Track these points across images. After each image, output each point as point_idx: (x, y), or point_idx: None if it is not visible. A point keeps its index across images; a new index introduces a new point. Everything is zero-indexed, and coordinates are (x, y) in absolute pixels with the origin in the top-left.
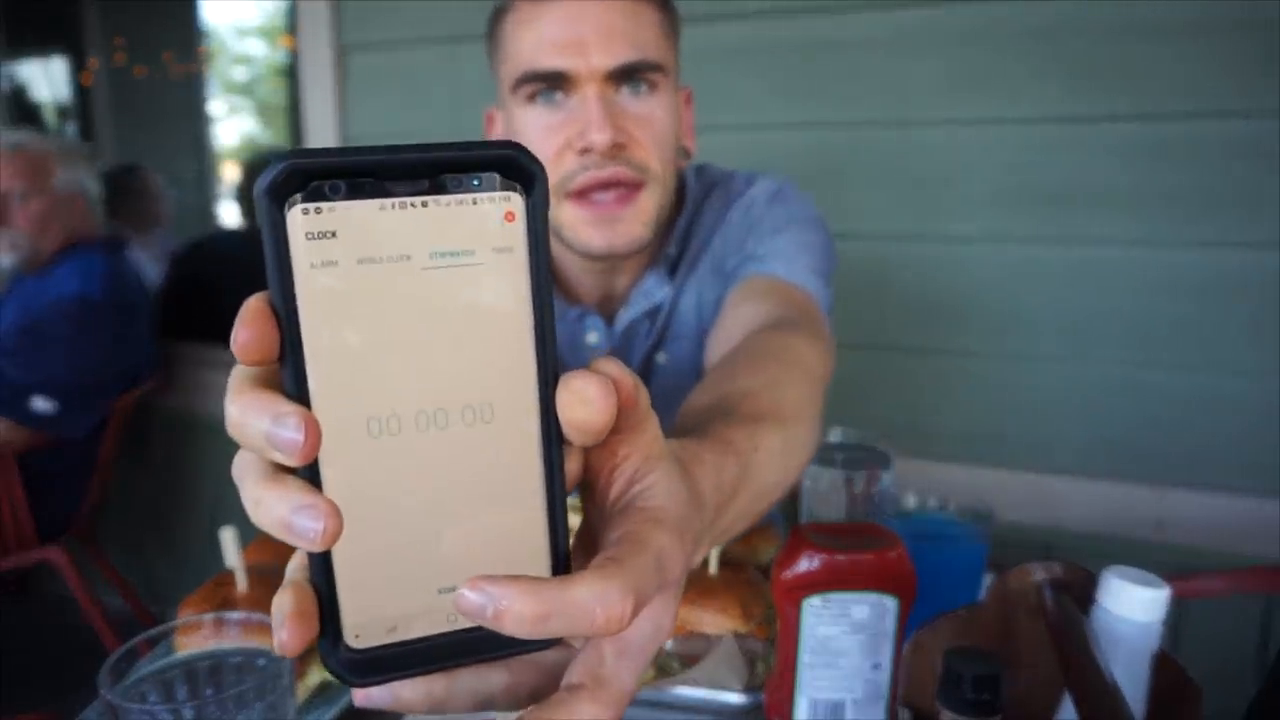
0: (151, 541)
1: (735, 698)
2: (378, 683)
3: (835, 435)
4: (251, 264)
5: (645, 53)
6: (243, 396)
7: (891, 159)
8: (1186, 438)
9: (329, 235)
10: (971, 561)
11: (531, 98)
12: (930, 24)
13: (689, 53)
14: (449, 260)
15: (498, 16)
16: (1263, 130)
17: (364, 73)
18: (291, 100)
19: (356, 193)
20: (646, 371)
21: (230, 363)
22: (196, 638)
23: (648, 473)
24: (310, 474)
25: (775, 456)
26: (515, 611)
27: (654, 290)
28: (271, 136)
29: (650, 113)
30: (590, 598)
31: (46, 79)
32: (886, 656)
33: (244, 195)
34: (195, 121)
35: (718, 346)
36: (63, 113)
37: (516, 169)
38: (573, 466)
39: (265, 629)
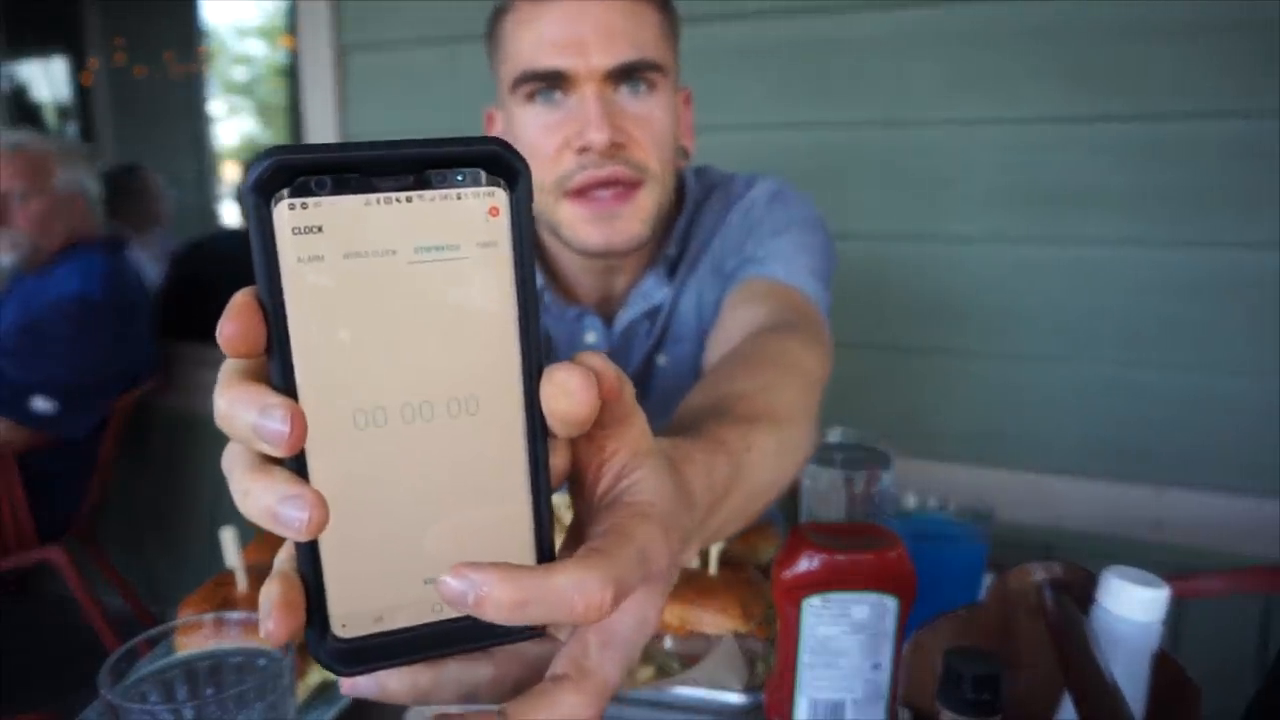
0: (151, 541)
1: (735, 698)
2: (364, 672)
3: (835, 435)
4: (251, 264)
5: (644, 52)
6: (230, 389)
7: (891, 159)
8: (1186, 437)
9: (315, 230)
10: (971, 561)
11: (530, 97)
12: (930, 24)
13: (689, 53)
14: (434, 255)
15: (497, 16)
16: (1261, 130)
17: (364, 73)
18: (291, 100)
19: (342, 188)
20: (647, 373)
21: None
22: (196, 638)
23: (635, 468)
24: (297, 465)
25: (769, 457)
26: (495, 597)
27: (653, 291)
28: (271, 136)
29: (649, 112)
30: (570, 585)
31: (46, 79)
32: (886, 656)
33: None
34: (195, 121)
35: (716, 349)
36: (63, 113)
37: (500, 164)
38: (561, 462)
39: None
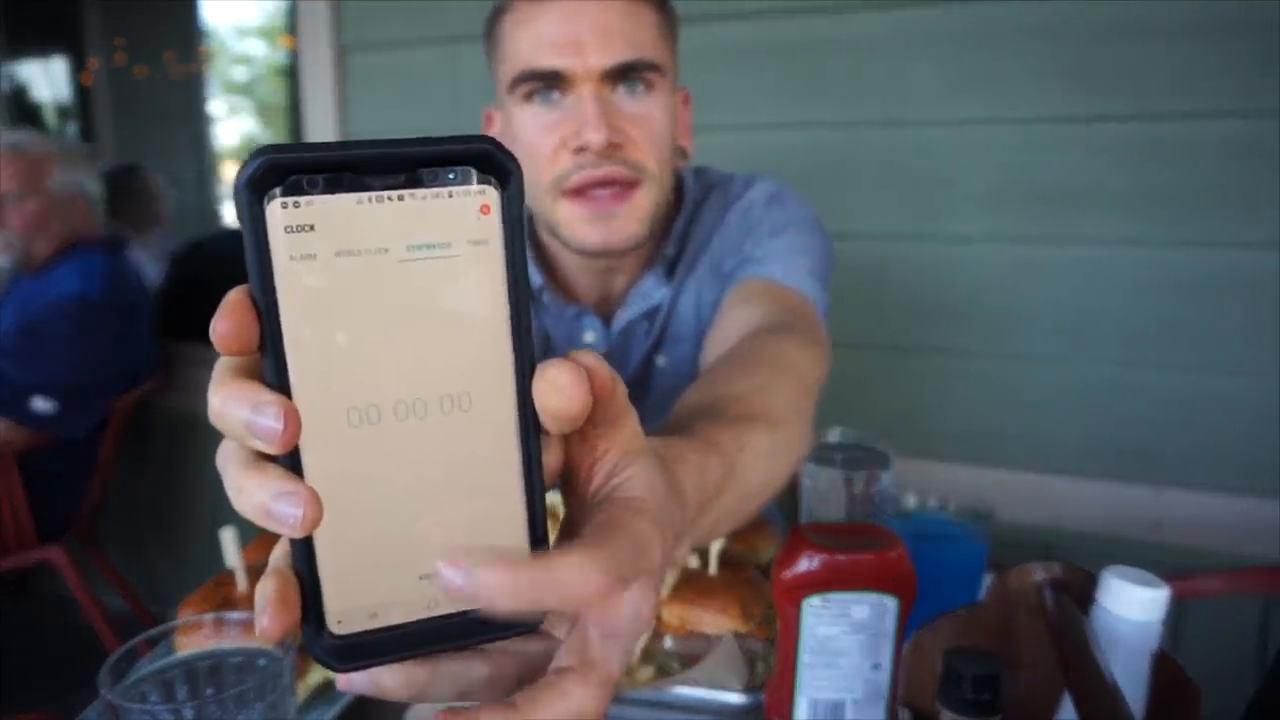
0: (151, 541)
1: (735, 698)
2: (359, 668)
3: (835, 435)
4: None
5: (642, 52)
6: (224, 386)
7: (891, 159)
8: (1185, 437)
9: (307, 228)
10: (971, 561)
11: (528, 97)
12: (929, 24)
13: (689, 53)
14: (426, 253)
15: (496, 16)
16: (1261, 130)
17: (364, 73)
18: (291, 100)
19: (334, 186)
20: (646, 373)
21: None
22: (196, 638)
23: (626, 466)
24: (291, 462)
25: (762, 458)
26: (493, 584)
27: (652, 291)
28: (271, 136)
29: (647, 112)
30: (568, 572)
31: (46, 79)
32: (886, 656)
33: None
34: (195, 121)
35: (713, 349)
36: (63, 113)
37: (492, 163)
38: (553, 460)
39: None
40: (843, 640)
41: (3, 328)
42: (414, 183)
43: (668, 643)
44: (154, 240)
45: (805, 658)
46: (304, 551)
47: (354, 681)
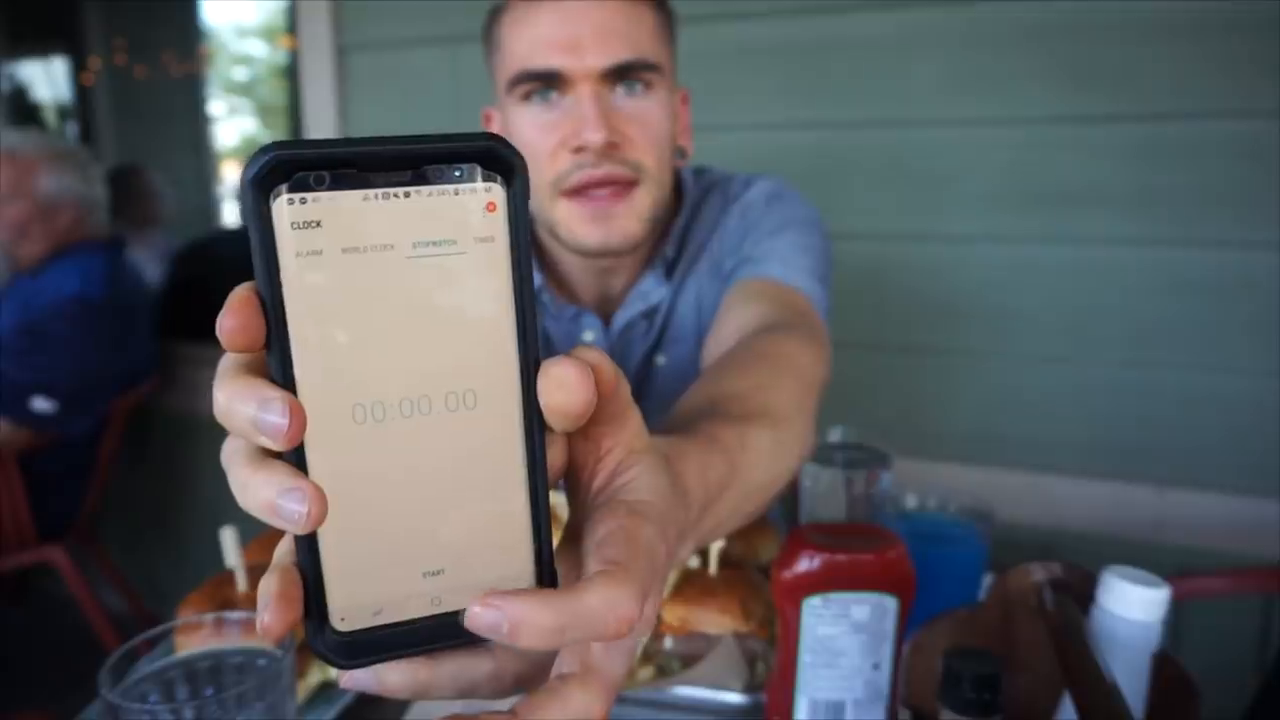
0: (152, 541)
1: (735, 698)
2: (362, 665)
3: (835, 435)
4: (251, 260)
5: (640, 52)
6: (229, 383)
7: (892, 159)
8: (1186, 437)
9: (314, 225)
10: (971, 561)
11: (527, 97)
12: (930, 24)
13: (689, 53)
14: (432, 250)
15: (494, 16)
16: (1262, 130)
17: (364, 73)
18: (291, 100)
19: (340, 183)
20: (646, 373)
21: None
22: (196, 638)
23: (630, 466)
24: (296, 459)
25: (764, 457)
26: (532, 625)
27: (651, 291)
28: (271, 136)
29: (645, 112)
30: (602, 605)
31: (47, 79)
32: (886, 656)
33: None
34: (195, 121)
35: (713, 348)
36: (63, 113)
37: (497, 160)
38: (557, 457)
39: None
40: (843, 640)
41: (3, 328)
42: (420, 180)
43: (668, 643)
44: (154, 240)
45: (805, 658)
46: (308, 548)
47: (357, 679)
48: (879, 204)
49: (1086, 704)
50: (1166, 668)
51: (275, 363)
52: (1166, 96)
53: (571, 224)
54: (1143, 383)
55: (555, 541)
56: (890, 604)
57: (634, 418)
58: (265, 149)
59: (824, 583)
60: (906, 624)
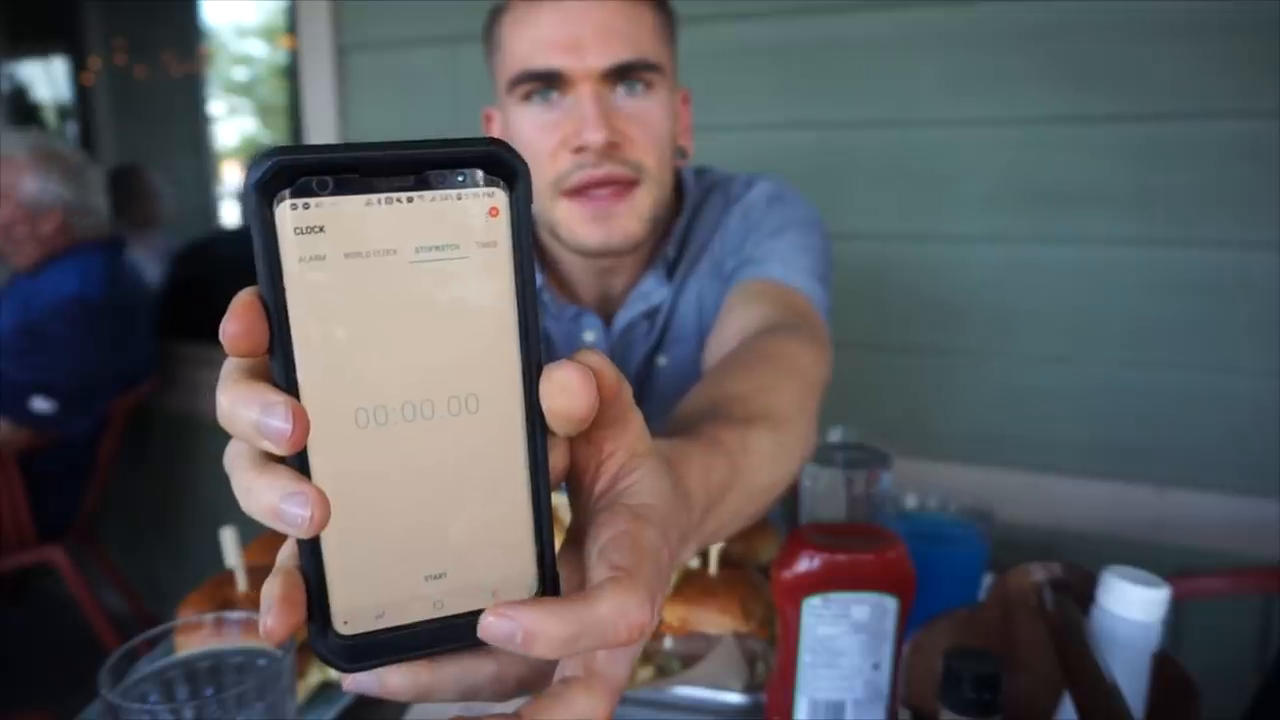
0: (152, 541)
1: (735, 698)
2: (365, 668)
3: (835, 435)
4: (251, 265)
5: (641, 52)
6: (233, 388)
7: (892, 159)
8: (1186, 437)
9: (317, 230)
10: (971, 561)
11: (527, 97)
12: (930, 24)
13: (689, 53)
14: (434, 254)
15: (495, 17)
16: (1262, 130)
17: (364, 73)
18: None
19: (344, 189)
20: (647, 374)
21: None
22: (196, 638)
23: (633, 469)
24: (299, 463)
25: (766, 459)
26: (545, 635)
27: (652, 292)
28: (271, 136)
29: (646, 112)
30: (614, 613)
31: (47, 79)
32: (886, 656)
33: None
34: (195, 121)
35: (715, 350)
36: (63, 113)
37: (500, 165)
38: (559, 461)
39: None
40: (843, 640)
41: (3, 328)
42: (423, 184)
43: (668, 643)
44: (154, 240)
45: (805, 658)
46: (311, 551)
47: (360, 682)
48: (879, 204)
49: (1086, 704)
50: (1166, 668)
51: (278, 367)
52: (1166, 96)
53: (572, 224)
54: (1142, 383)
55: (557, 544)
56: (890, 604)
57: (636, 421)
58: (269, 154)
59: (824, 583)
60: (906, 624)
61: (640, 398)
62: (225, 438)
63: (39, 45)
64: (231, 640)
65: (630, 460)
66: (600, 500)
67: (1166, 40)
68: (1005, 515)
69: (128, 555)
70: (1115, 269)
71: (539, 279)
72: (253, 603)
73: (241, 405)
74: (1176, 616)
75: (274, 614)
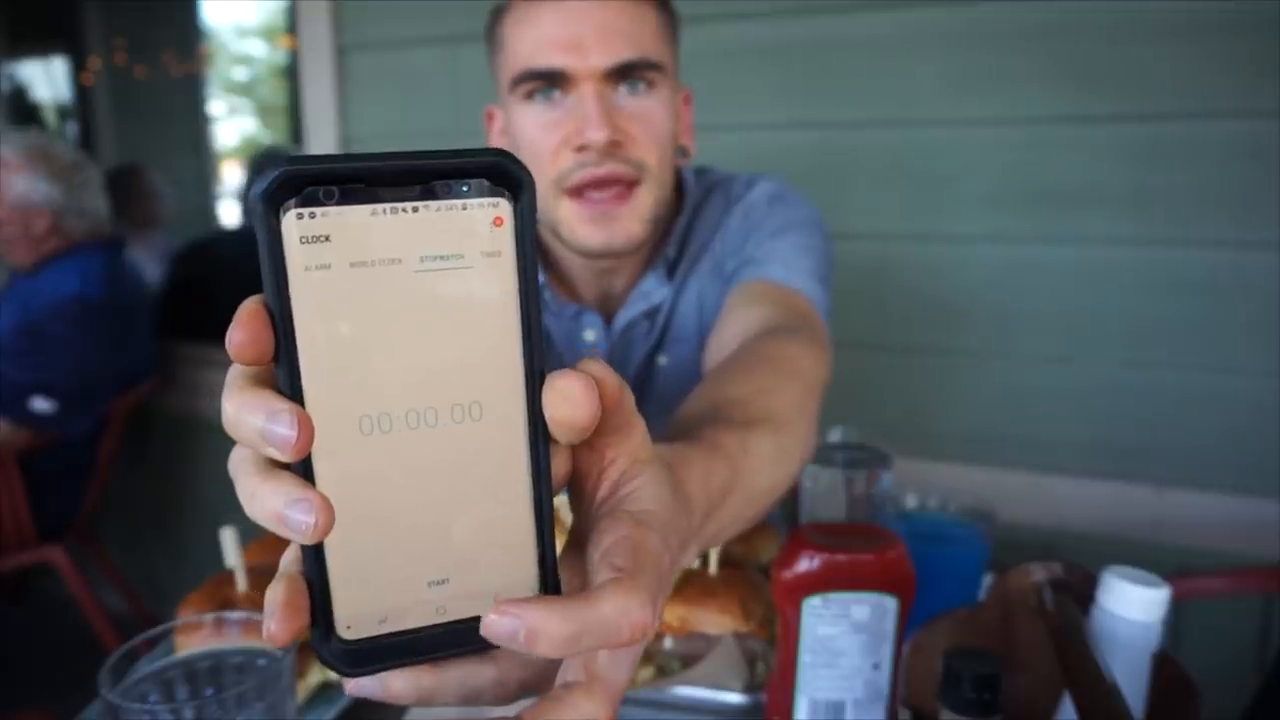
0: (152, 541)
1: (735, 698)
2: (368, 673)
3: (835, 435)
4: (252, 265)
5: (643, 51)
6: (238, 394)
7: (892, 159)
8: (1186, 437)
9: (323, 239)
10: (971, 561)
11: (530, 95)
12: (931, 24)
13: (690, 53)
14: (439, 264)
15: (497, 16)
16: (1261, 130)
17: (364, 73)
18: (291, 100)
19: (349, 198)
20: (647, 374)
21: (229, 362)
22: (196, 638)
23: (634, 476)
24: (303, 470)
25: (767, 462)
26: (548, 633)
27: (652, 291)
28: (271, 136)
29: (648, 111)
30: (616, 612)
31: (47, 79)
32: (886, 656)
33: (248, 194)
34: (195, 121)
35: (716, 351)
36: (63, 113)
37: (505, 176)
38: (561, 468)
39: None
40: (843, 640)
41: (2, 328)
42: (428, 194)
43: (668, 643)
44: (154, 240)
45: (805, 658)
46: (315, 557)
47: (363, 686)
48: (880, 204)
49: (1086, 704)
50: (1166, 668)
51: (284, 375)
52: (1166, 96)
53: (573, 225)
54: (1142, 383)
55: (559, 548)
56: (890, 604)
57: (638, 428)
58: (276, 164)
59: (824, 583)
60: (906, 624)
61: (640, 397)
62: (225, 438)
63: (39, 45)
64: (231, 640)
65: (632, 467)
66: (602, 507)
67: (1166, 40)
68: (1005, 515)
69: (128, 555)
70: (1115, 269)
71: (540, 277)
72: (253, 603)
73: (247, 412)
74: (1176, 616)
75: (277, 619)
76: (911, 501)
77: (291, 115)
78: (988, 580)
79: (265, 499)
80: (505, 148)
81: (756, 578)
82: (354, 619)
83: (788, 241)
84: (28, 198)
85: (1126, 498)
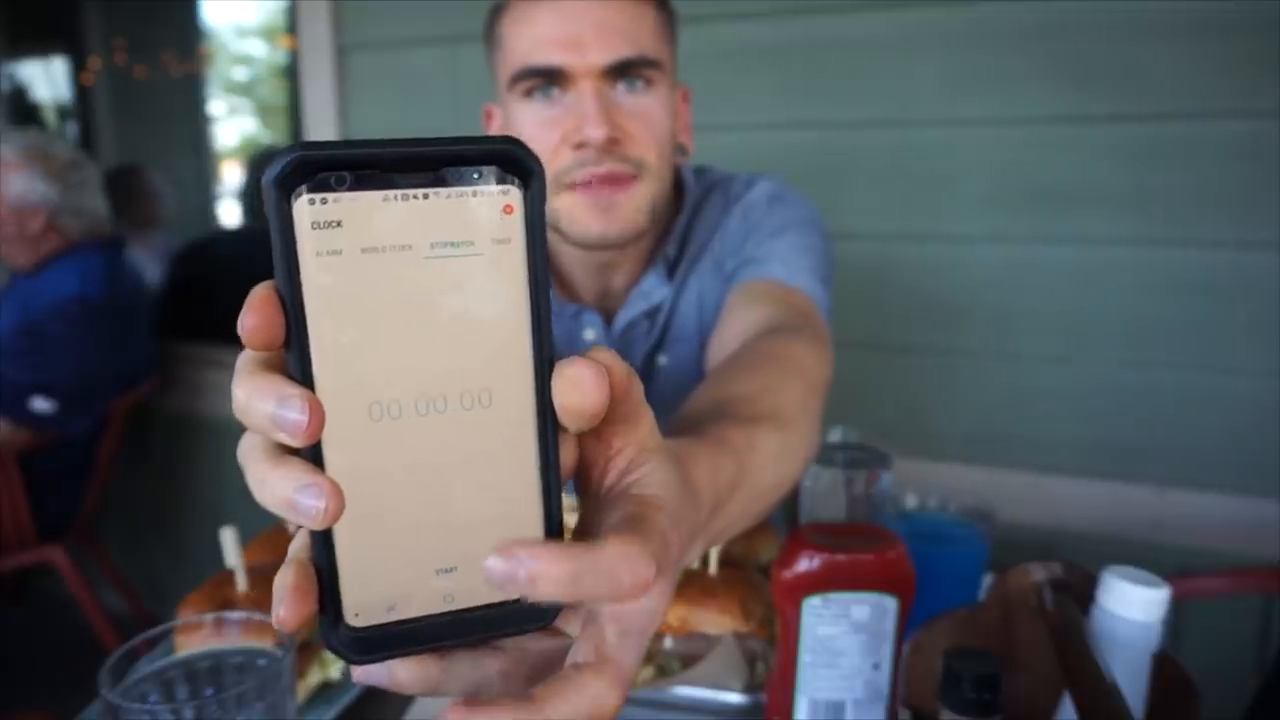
0: (152, 541)
1: (735, 698)
2: (375, 661)
3: (835, 435)
4: (252, 264)
5: (642, 49)
6: (249, 380)
7: (891, 159)
8: (1186, 437)
9: (334, 225)
10: (971, 561)
11: (528, 93)
12: (930, 24)
13: (689, 53)
14: (449, 251)
15: (495, 14)
16: (1261, 130)
17: (364, 73)
18: (291, 100)
19: (361, 184)
20: (648, 373)
21: (231, 362)
22: (196, 638)
23: (642, 464)
24: (313, 455)
25: (772, 459)
26: (549, 573)
27: (652, 291)
28: (271, 136)
29: (646, 108)
30: (618, 559)
31: (46, 79)
32: (886, 656)
33: (248, 193)
34: (195, 121)
35: (718, 350)
36: (63, 113)
37: (515, 163)
38: (569, 456)
39: (266, 628)
40: (843, 640)
41: (2, 328)
42: (439, 181)
43: (668, 643)
44: (154, 240)
45: (805, 658)
46: (323, 543)
47: (370, 674)
48: (879, 204)
49: (1086, 704)
50: (1166, 668)
51: (294, 360)
52: (1166, 96)
53: (574, 214)
54: (1142, 383)
55: (567, 539)
56: (890, 604)
57: (646, 417)
58: (289, 149)
59: (824, 583)
60: (906, 624)
61: None
62: (225, 438)
63: (39, 45)
64: (231, 640)
65: (639, 455)
66: (609, 493)
67: (1166, 40)
68: (1005, 515)
69: (128, 555)
70: (1115, 269)
71: None
72: (253, 603)
73: (257, 398)
74: (1176, 616)
75: (286, 604)
76: (911, 501)
77: (291, 115)
78: (988, 580)
79: (275, 484)
80: None
81: (756, 578)
82: (362, 606)
83: (787, 241)
84: (24, 197)
85: (1126, 498)
